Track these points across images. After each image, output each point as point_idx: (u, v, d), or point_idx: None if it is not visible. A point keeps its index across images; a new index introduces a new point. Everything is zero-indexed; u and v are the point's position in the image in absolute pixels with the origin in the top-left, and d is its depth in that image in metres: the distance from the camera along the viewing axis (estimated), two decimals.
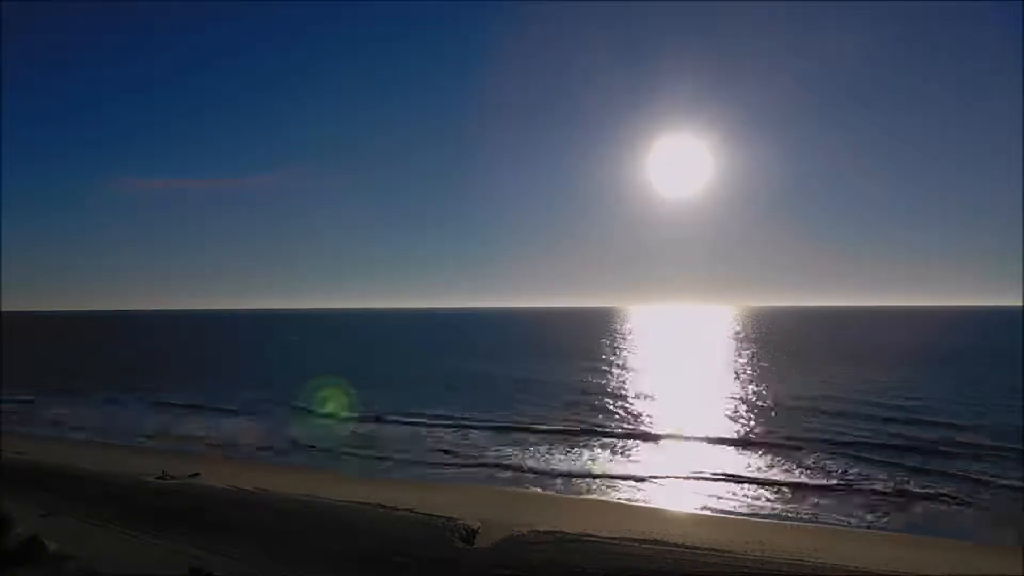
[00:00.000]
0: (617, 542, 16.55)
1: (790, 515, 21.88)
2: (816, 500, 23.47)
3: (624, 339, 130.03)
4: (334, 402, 44.02)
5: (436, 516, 18.65)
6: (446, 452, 31.55)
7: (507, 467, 28.51)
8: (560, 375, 64.18)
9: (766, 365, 72.47)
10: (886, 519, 21.42)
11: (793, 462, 28.57)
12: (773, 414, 40.47)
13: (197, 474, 25.16)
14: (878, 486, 24.90)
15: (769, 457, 29.64)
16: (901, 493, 24.01)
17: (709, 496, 24.08)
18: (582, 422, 38.51)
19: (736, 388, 53.19)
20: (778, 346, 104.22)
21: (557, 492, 24.82)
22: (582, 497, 24.10)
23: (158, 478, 24.16)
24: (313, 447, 33.13)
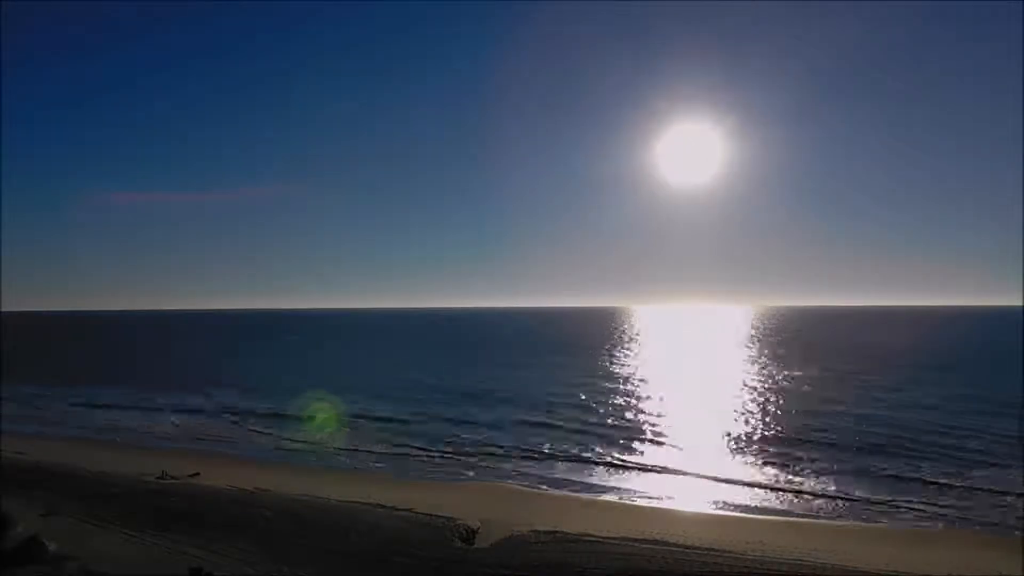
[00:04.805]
0: (617, 542, 16.55)
1: (790, 515, 21.89)
2: (815, 500, 23.48)
3: (630, 340, 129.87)
4: (325, 408, 43.60)
5: (436, 516, 18.66)
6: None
7: (505, 459, 28.66)
8: (559, 375, 64.18)
9: (769, 366, 72.44)
10: (885, 519, 21.41)
11: (793, 462, 28.56)
12: (774, 415, 40.46)
13: (197, 474, 25.16)
14: (878, 486, 24.91)
15: (770, 457, 29.63)
16: (901, 493, 24.01)
17: (709, 496, 24.07)
18: (582, 423, 38.53)
19: (738, 390, 53.16)
20: (780, 347, 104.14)
21: (557, 492, 24.82)
22: (582, 497, 24.08)
23: (158, 478, 24.17)
24: (310, 446, 33.14)
